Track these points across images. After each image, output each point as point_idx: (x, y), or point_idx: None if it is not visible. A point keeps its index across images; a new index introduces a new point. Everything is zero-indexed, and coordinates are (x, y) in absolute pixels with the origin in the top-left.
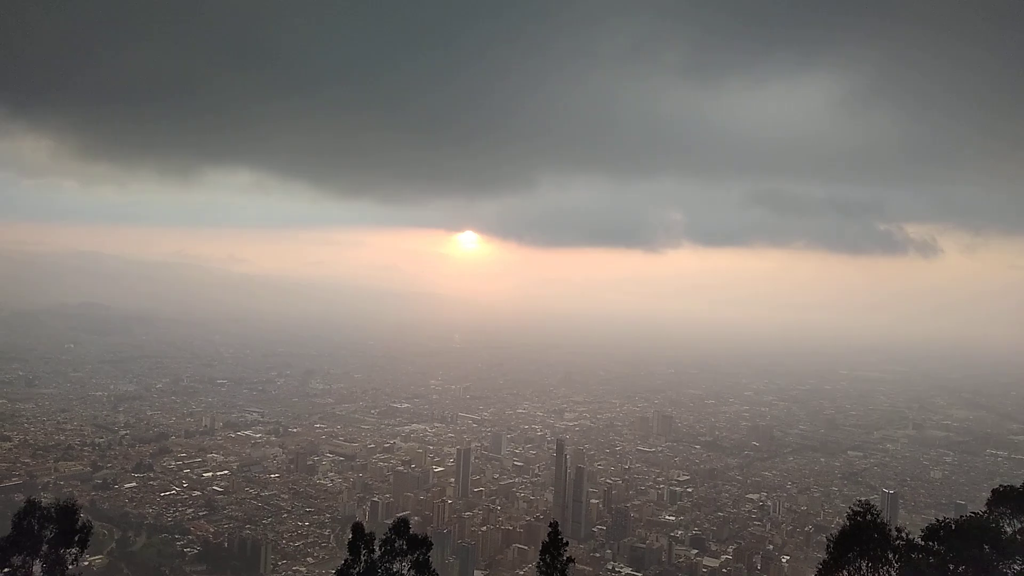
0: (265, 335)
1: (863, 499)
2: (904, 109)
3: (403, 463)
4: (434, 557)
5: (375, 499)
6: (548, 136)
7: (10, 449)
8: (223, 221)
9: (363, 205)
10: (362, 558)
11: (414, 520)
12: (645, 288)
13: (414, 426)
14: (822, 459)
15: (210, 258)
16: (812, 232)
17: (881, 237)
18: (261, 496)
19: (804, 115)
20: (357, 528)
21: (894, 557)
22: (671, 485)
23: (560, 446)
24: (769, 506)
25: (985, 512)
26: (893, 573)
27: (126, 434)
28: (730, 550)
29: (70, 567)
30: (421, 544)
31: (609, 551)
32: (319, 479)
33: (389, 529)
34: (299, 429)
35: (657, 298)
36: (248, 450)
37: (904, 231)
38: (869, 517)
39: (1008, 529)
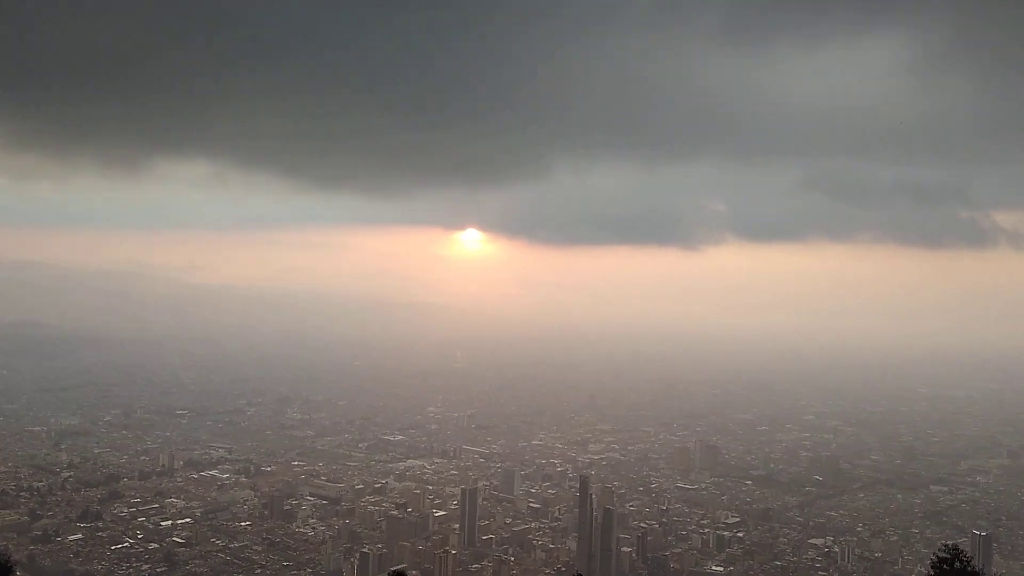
0: (232, 356)
1: (950, 543)
2: (989, 74)
3: (397, 506)
4: None
5: (365, 550)
6: (564, 114)
7: None
8: (180, 222)
9: (344, 200)
10: None
11: (411, 574)
12: (682, 293)
13: (410, 462)
14: (899, 496)
15: (166, 266)
16: (880, 223)
17: (964, 227)
18: (230, 548)
19: (868, 83)
20: None
21: None
22: (718, 529)
23: (584, 484)
24: (836, 553)
25: None
26: None
27: (70, 476)
28: None
29: None
30: None
31: None
32: (298, 527)
33: None
34: (274, 468)
35: (697, 304)
36: (214, 493)
37: (992, 219)
38: (958, 564)
39: None
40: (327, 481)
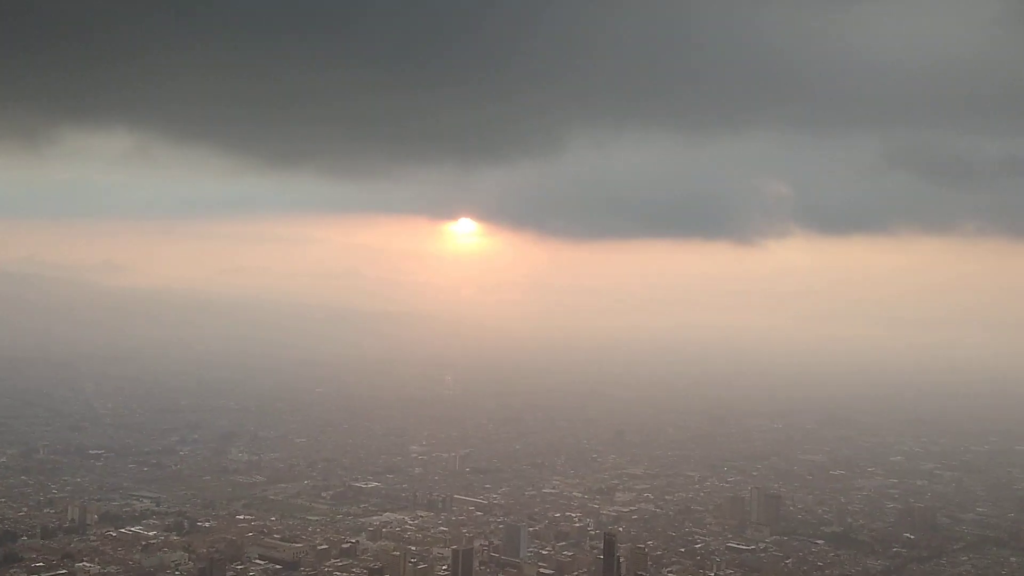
0: (162, 381)
1: None
2: None
3: (371, 572)
4: None
5: None
6: (584, 74)
7: None
8: (94, 209)
9: (304, 182)
10: None
11: None
12: (734, 299)
13: (387, 516)
14: (1012, 558)
15: (76, 265)
16: (986, 209)
17: None
18: None
19: (969, 34)
20: None
21: None
22: None
23: (610, 544)
24: None
25: None
26: None
27: None
28: None
29: None
30: None
31: None
32: None
33: None
34: (213, 523)
35: (752, 313)
36: (137, 556)
37: None
38: None
39: None
40: (281, 540)
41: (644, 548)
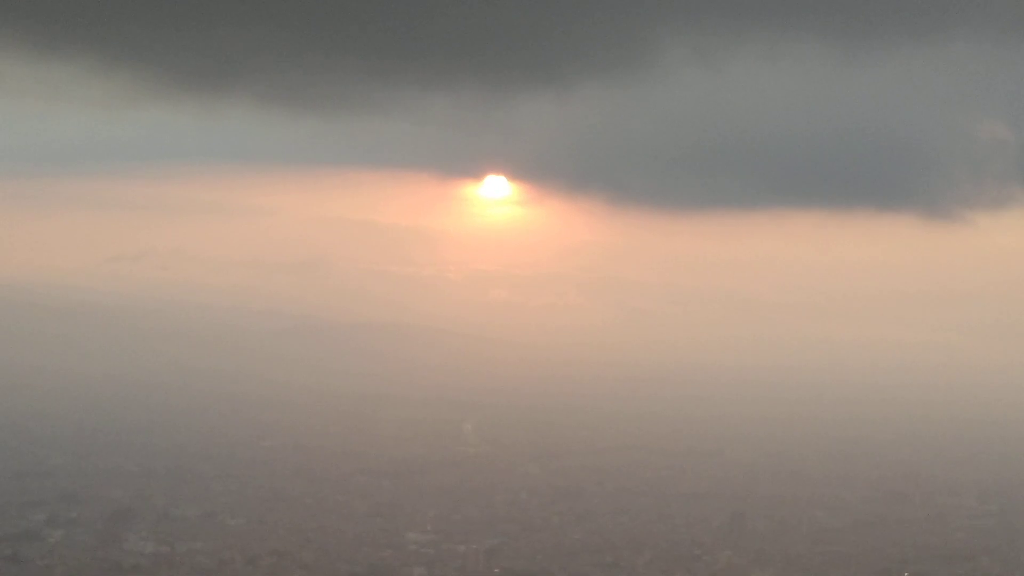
0: (19, 426)
1: None
2: None
3: None
4: None
5: None
6: None
7: None
8: None
9: (239, 115)
10: None
11: None
12: (923, 303)
13: None
14: None
15: None
16: None
17: None
18: None
19: None
20: None
21: None
22: None
23: None
24: None
25: None
26: None
27: None
28: None
29: None
30: None
31: None
32: None
33: None
34: None
35: (955, 326)
36: None
37: None
38: None
39: None
40: None
41: None
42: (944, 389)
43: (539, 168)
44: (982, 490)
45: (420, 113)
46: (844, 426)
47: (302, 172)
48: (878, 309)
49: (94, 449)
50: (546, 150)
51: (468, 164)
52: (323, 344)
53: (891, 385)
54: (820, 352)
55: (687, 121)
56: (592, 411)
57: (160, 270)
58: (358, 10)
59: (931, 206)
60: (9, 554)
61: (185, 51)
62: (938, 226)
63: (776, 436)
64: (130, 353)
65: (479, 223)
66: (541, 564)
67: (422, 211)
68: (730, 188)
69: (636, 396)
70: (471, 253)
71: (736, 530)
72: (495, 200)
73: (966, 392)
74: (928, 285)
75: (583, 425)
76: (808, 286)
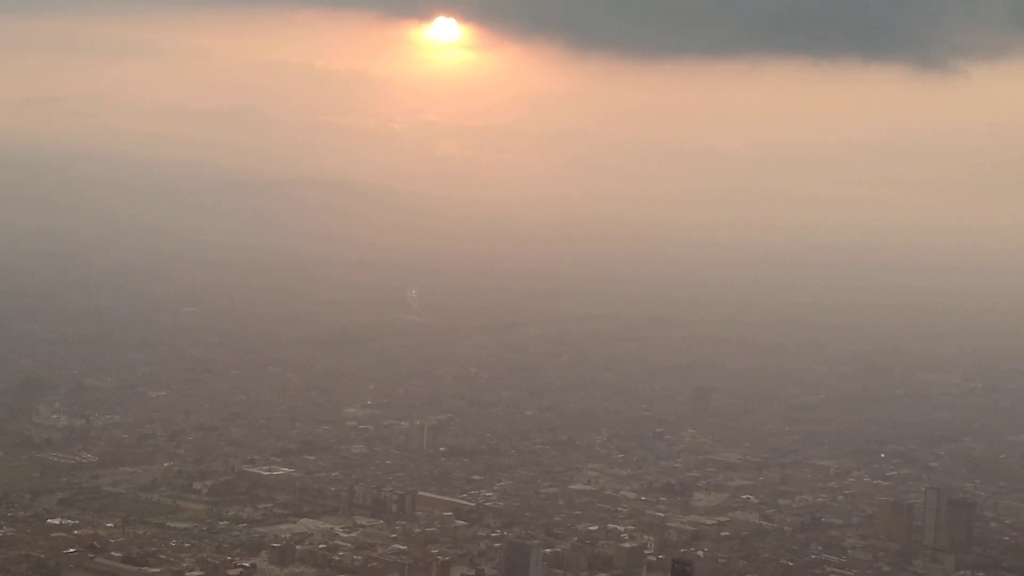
0: None
1: None
2: None
3: None
4: None
5: None
6: None
7: None
8: None
9: None
10: None
11: None
12: (914, 160)
13: (304, 523)
14: None
15: None
16: None
17: None
18: None
19: None
20: None
21: None
22: None
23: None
24: None
25: None
26: None
27: None
28: None
29: None
30: None
31: None
32: None
33: None
34: (9, 530)
35: (946, 188)
36: None
37: None
38: None
39: None
40: (123, 561)
41: None
42: (934, 261)
43: (493, 8)
44: (969, 367)
45: None
46: (814, 291)
47: (235, 11)
48: (857, 170)
49: (1, 313)
50: None
51: (415, 2)
52: (257, 200)
53: (871, 258)
54: (787, 209)
55: None
56: (547, 275)
57: (61, 118)
58: None
59: (923, 55)
60: None
61: None
62: (931, 76)
63: (743, 306)
64: (33, 209)
65: (426, 70)
66: (489, 442)
67: (364, 55)
68: (703, 33)
69: (594, 258)
70: (418, 103)
71: (701, 406)
72: (444, 44)
73: (969, 267)
74: (919, 140)
75: (537, 292)
76: (785, 141)
